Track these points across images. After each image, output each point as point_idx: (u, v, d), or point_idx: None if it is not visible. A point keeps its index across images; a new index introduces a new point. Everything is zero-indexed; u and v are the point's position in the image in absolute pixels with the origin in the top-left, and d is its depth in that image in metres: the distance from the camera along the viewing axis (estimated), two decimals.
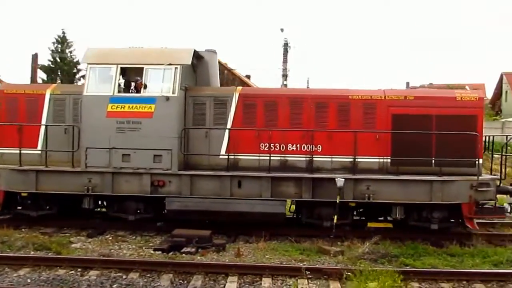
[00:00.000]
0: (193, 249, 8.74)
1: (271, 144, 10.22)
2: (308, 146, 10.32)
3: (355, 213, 10.72)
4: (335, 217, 9.18)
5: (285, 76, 31.11)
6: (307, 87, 35.42)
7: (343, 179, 9.18)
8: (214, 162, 10.42)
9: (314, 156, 10.29)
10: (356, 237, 9.74)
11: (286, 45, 31.28)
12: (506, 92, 41.85)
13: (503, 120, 30.78)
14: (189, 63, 10.39)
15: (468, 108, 10.38)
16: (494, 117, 35.49)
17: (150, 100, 10.05)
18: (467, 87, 35.53)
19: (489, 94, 47.33)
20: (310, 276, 7.33)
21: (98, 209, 11.35)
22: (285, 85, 30.26)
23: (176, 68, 10.08)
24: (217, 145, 10.44)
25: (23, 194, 10.29)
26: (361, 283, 6.53)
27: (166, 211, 10.37)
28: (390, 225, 10.69)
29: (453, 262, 8.58)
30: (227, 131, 10.37)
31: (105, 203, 10.87)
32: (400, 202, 9.87)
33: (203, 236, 9.11)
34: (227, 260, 8.27)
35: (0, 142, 10.62)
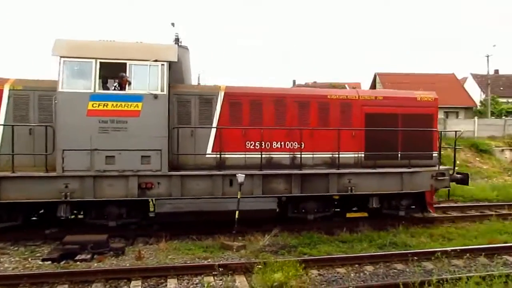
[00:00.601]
0: (88, 256, 8.11)
1: (257, 142, 10.32)
2: (292, 144, 10.63)
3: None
4: (237, 212, 9.30)
5: None
6: (198, 83, 35.21)
7: (244, 175, 9.27)
8: (200, 161, 10.20)
9: (297, 153, 10.60)
10: (257, 231, 9.99)
11: (177, 41, 30.60)
12: None
13: None
14: (176, 60, 9.87)
15: (426, 107, 11.62)
16: None
17: (137, 98, 9.45)
18: (346, 85, 38.60)
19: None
20: (215, 273, 7.32)
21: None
22: None
23: (162, 65, 9.61)
24: (203, 144, 10.25)
25: None
26: (267, 275, 6.69)
27: (155, 214, 9.95)
28: (366, 214, 11.70)
29: (345, 248, 9.31)
30: (213, 129, 10.25)
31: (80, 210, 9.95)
32: (376, 193, 10.75)
33: (99, 241, 8.51)
34: (128, 264, 7.88)
35: None
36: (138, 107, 9.44)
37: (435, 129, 11.58)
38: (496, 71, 49.72)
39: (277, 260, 7.44)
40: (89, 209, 9.82)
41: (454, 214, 12.99)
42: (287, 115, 10.71)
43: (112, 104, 9.33)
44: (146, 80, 9.57)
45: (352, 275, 7.59)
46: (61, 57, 9.23)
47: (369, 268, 8.02)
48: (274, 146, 10.57)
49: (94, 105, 9.26)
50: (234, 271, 7.51)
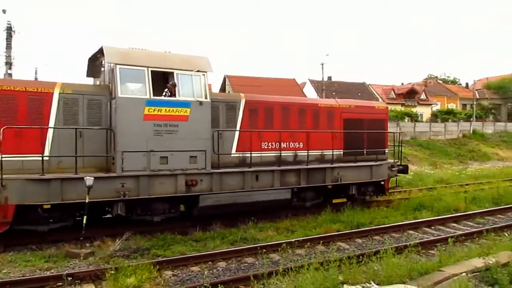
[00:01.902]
0: None
1: (270, 143, 12.05)
2: (294, 144, 12.52)
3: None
4: (85, 217, 8.69)
5: (9, 64, 26.83)
6: (35, 78, 31.79)
7: (92, 178, 8.75)
8: (227, 159, 11.35)
9: (298, 151, 12.51)
10: (106, 235, 9.50)
11: (9, 29, 27.01)
12: (229, 92, 48.24)
13: None
14: (212, 71, 10.83)
15: (381, 114, 14.78)
16: None
17: (185, 104, 10.25)
18: None
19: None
20: (60, 284, 6.75)
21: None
22: (10, 75, 26.13)
23: (203, 74, 10.59)
24: (229, 145, 11.48)
25: (45, 207, 8.99)
26: (119, 281, 6.43)
27: (200, 207, 10.68)
28: (344, 200, 13.80)
29: (198, 246, 9.48)
30: (237, 132, 11.58)
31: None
32: (355, 182, 13.29)
33: None
34: None
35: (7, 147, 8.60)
36: (186, 112, 10.28)
37: (388, 131, 15.12)
38: (330, 78, 56.07)
39: (129, 264, 7.19)
40: (135, 206, 10.10)
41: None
42: (291, 120, 12.57)
43: (166, 110, 10.06)
44: (191, 88, 10.44)
45: (206, 272, 7.74)
46: (116, 64, 9.61)
47: (222, 264, 8.30)
48: (282, 146, 12.23)
49: (150, 110, 9.84)
50: (82, 280, 7.01)
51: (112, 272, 6.86)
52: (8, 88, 9.17)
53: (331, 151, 13.01)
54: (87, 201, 8.74)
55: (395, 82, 64.33)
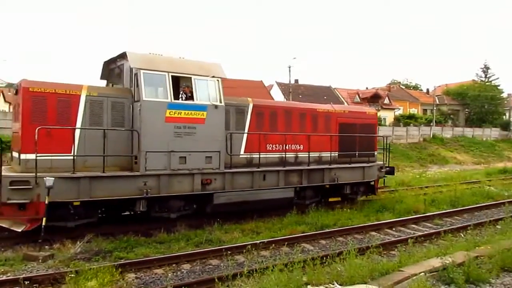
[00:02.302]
0: None
1: (274, 145, 12.78)
2: (296, 146, 13.30)
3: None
4: (44, 219, 8.41)
5: None
6: None
7: (53, 179, 8.68)
8: (236, 160, 11.91)
9: (299, 153, 13.35)
10: (66, 238, 9.24)
11: None
12: None
13: None
14: (226, 76, 11.64)
15: (371, 119, 15.96)
16: None
17: (202, 107, 10.91)
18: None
19: None
20: None
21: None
22: None
23: (218, 80, 11.31)
24: (237, 146, 12.12)
25: (75, 203, 9.46)
26: (79, 284, 6.27)
27: (213, 205, 11.29)
28: (339, 199, 14.78)
29: (163, 248, 9.39)
30: (245, 134, 12.30)
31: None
32: (349, 182, 14.27)
33: None
34: None
35: (28, 147, 9.04)
36: (203, 115, 10.96)
37: (382, 135, 16.96)
38: (296, 81, 56.64)
39: (91, 267, 7.01)
40: (154, 204, 10.56)
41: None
42: (293, 123, 13.39)
43: (185, 113, 10.69)
44: (207, 92, 11.14)
45: (170, 274, 7.66)
46: (140, 69, 10.17)
47: (187, 266, 8.23)
48: (285, 147, 12.98)
49: (171, 113, 10.45)
50: (40, 283, 6.78)
51: (72, 275, 6.67)
52: (39, 90, 9.49)
53: (328, 153, 14.07)
54: (46, 202, 8.48)
55: (360, 87, 65.73)
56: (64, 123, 9.66)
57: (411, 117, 53.22)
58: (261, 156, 12.29)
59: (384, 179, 16.35)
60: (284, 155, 12.91)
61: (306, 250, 9.53)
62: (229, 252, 8.47)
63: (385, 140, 16.49)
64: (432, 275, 7.18)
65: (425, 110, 62.47)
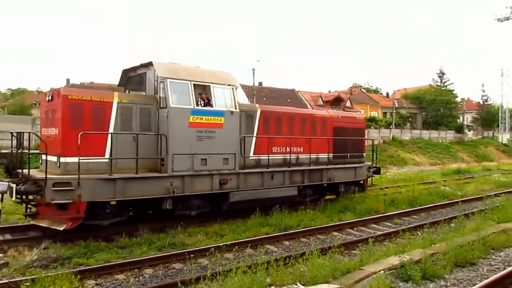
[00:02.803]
0: None
1: (279, 147, 13.78)
2: (297, 148, 14.32)
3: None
4: None
5: None
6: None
7: (6, 184, 9.17)
8: (247, 161, 12.85)
9: (300, 155, 14.40)
10: (22, 245, 8.90)
11: None
12: None
13: None
14: (237, 85, 12.68)
15: (361, 123, 17.55)
16: None
17: (220, 113, 11.80)
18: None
19: None
20: None
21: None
22: None
23: (233, 88, 12.25)
24: (248, 148, 12.99)
25: (112, 203, 10.09)
26: None
27: (229, 203, 12.15)
28: (334, 196, 15.88)
29: (124, 253, 9.20)
30: (254, 138, 13.20)
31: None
32: (343, 181, 15.63)
33: None
34: None
35: (67, 151, 9.72)
36: (221, 120, 11.85)
37: (371, 138, 19.39)
38: (260, 83, 56.95)
39: (48, 274, 6.78)
40: (177, 202, 11.33)
41: None
42: (295, 127, 14.44)
43: (205, 118, 11.54)
44: (224, 99, 12.01)
45: (131, 280, 7.53)
46: (166, 78, 10.98)
47: (149, 271, 8.10)
48: (287, 150, 13.99)
49: (194, 119, 11.29)
50: None
51: (28, 284, 6.42)
52: (77, 98, 10.08)
53: (325, 154, 15.35)
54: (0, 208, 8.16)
55: (323, 90, 66.98)
56: (99, 128, 10.27)
57: (372, 119, 54.66)
58: (265, 157, 13.32)
59: (372, 178, 17.63)
60: (289, 157, 14.01)
61: (270, 252, 9.59)
62: (192, 255, 8.38)
63: (373, 143, 18.55)
64: (391, 273, 7.42)
65: (385, 113, 64.32)
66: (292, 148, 14.13)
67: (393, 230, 11.64)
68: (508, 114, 61.44)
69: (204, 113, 11.58)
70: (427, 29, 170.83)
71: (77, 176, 9.42)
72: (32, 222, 10.38)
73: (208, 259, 8.62)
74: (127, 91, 12.81)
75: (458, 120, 66.50)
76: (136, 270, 8.06)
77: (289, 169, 13.76)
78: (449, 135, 53.95)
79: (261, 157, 13.32)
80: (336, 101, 56.15)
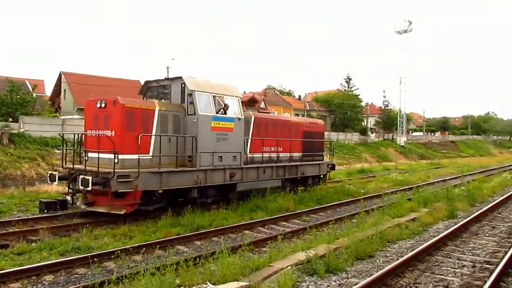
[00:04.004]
0: None
1: (267, 147, 16.70)
2: (278, 148, 17.39)
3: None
4: None
5: None
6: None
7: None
8: (245, 159, 15.33)
9: (280, 153, 17.44)
10: None
11: None
12: (65, 90, 44.27)
13: (62, 117, 32.26)
14: (241, 96, 15.75)
15: (321, 128, 21.63)
16: (54, 114, 36.66)
17: (232, 119, 14.57)
18: (26, 82, 34.97)
19: (49, 91, 48.45)
20: None
21: None
22: None
23: (239, 99, 15.05)
24: (246, 148, 15.60)
25: (159, 191, 12.34)
26: None
27: (237, 192, 15.03)
28: (303, 187, 18.97)
29: (22, 260, 8.56)
30: (249, 139, 15.89)
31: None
32: (310, 175, 19.30)
33: None
34: None
35: (124, 149, 11.70)
36: (232, 125, 14.54)
37: (330, 140, 25.39)
38: None
39: None
40: (199, 191, 13.66)
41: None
42: (277, 131, 17.56)
43: (222, 123, 14.13)
44: (233, 108, 14.70)
45: None
46: (194, 91, 13.37)
47: (49, 277, 7.57)
48: (272, 149, 17.07)
49: (214, 124, 13.82)
50: None
51: None
52: (131, 106, 12.19)
53: (299, 153, 18.72)
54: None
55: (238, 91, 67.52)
56: (145, 131, 12.37)
57: None
58: (260, 155, 16.39)
59: (329, 173, 21.33)
60: (274, 155, 17.19)
61: (180, 252, 9.46)
62: (96, 259, 8.00)
63: (330, 144, 23.46)
64: (298, 268, 7.73)
65: (297, 115, 66.52)
66: (277, 148, 17.30)
67: (301, 227, 12.13)
68: (405, 118, 67.08)
69: (221, 119, 14.24)
70: (336, 37, 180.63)
71: (135, 170, 11.59)
72: (88, 209, 12.22)
73: (115, 262, 8.27)
74: (145, 99, 15.01)
75: (363, 123, 71.15)
76: (34, 277, 7.48)
77: (275, 165, 16.96)
78: (355, 137, 57.53)
79: (255, 155, 16.20)
80: (251, 102, 56.75)
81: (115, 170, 11.20)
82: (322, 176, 20.50)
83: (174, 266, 7.17)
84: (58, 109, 43.35)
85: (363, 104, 72.36)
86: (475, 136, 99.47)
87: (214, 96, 14.07)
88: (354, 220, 12.55)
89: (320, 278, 7.38)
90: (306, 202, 16.22)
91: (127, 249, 8.71)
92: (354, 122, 66.90)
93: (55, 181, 12.71)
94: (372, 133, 66.43)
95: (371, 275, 7.36)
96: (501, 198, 17.54)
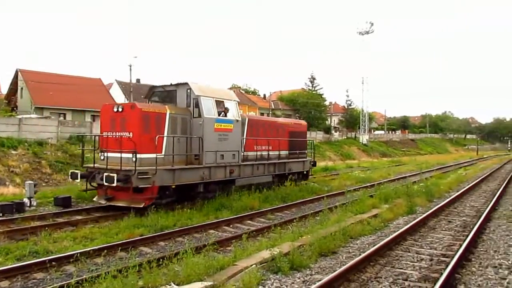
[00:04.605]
0: None
1: (258, 146, 18.21)
2: (268, 147, 18.81)
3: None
4: None
5: None
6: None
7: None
8: (241, 156, 16.77)
9: (270, 151, 18.88)
10: None
11: None
12: (22, 88, 42.61)
13: (19, 116, 31.07)
14: (238, 100, 17.26)
15: (304, 128, 23.56)
16: (10, 113, 35.28)
17: (231, 121, 16.08)
18: None
19: (5, 89, 46.53)
20: None
21: None
22: None
23: (236, 102, 16.72)
24: (242, 147, 17.02)
25: (172, 186, 13.65)
26: None
27: (235, 186, 16.26)
28: (293, 182, 19.25)
29: None
30: (244, 139, 17.30)
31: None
32: (296, 171, 20.74)
33: None
34: None
35: (141, 149, 13.00)
36: (231, 126, 16.03)
37: (311, 139, 27.59)
38: (138, 80, 54.96)
39: None
40: (204, 186, 15.05)
41: (98, 214, 13.44)
42: (267, 131, 19.15)
43: (223, 125, 15.63)
44: (232, 111, 16.17)
45: None
46: (200, 96, 14.91)
47: (5, 283, 7.24)
48: (263, 148, 18.58)
49: (217, 125, 15.32)
50: None
51: None
52: (147, 110, 13.64)
53: (285, 151, 20.36)
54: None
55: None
56: (159, 132, 13.63)
57: None
58: (253, 153, 17.97)
59: (311, 169, 22.83)
60: (265, 153, 18.66)
61: (144, 253, 9.30)
62: (55, 263, 7.74)
63: (312, 143, 25.26)
64: (263, 266, 7.76)
65: (262, 114, 67.02)
66: (267, 146, 18.81)
67: (266, 225, 12.18)
68: (368, 117, 68.71)
69: (222, 121, 15.59)
70: (301, 37, 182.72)
71: (153, 167, 12.82)
72: (108, 204, 13.42)
73: (75, 265, 8.03)
74: (150, 102, 16.11)
75: (327, 122, 72.38)
76: None
77: (267, 162, 18.49)
78: (319, 136, 58.35)
79: (249, 154, 17.66)
80: None
81: (136, 168, 12.48)
82: (305, 172, 21.96)
83: (137, 268, 7.03)
84: (15, 108, 41.69)
85: (327, 103, 73.62)
86: (433, 134, 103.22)
87: (216, 100, 15.52)
88: (318, 218, 12.73)
89: (284, 275, 7.45)
90: (271, 201, 16.29)
91: (87, 252, 8.47)
92: (318, 121, 67.94)
93: (77, 179, 13.77)
94: (335, 131, 67.69)
95: (334, 271, 7.49)
96: (456, 194, 18.29)
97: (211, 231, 11.66)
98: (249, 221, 13.13)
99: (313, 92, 72.13)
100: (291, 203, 16.23)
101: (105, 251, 8.73)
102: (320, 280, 6.85)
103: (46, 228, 10.57)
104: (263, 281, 7.10)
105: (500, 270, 8.02)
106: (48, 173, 21.49)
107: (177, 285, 6.85)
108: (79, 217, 12.66)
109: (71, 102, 40.70)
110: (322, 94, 72.85)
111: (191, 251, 7.93)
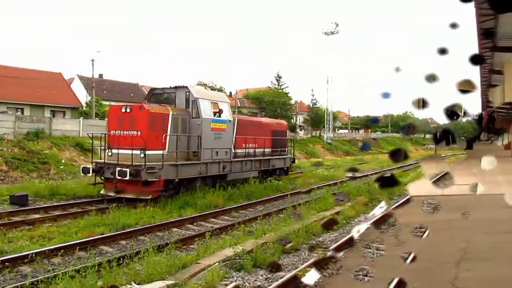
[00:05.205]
0: None
1: (246, 143, 19.74)
2: (254, 144, 20.37)
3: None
4: None
5: None
6: None
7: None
8: (232, 153, 18.51)
9: (256, 149, 20.64)
10: None
11: None
12: None
13: None
14: (229, 102, 19.95)
15: (284, 127, 25.67)
16: None
17: (224, 121, 17.81)
18: None
19: None
20: None
21: None
22: None
23: (228, 104, 18.80)
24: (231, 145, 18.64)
25: (176, 180, 15.14)
26: None
27: (226, 180, 17.99)
28: (280, 178, 22.21)
29: None
30: (234, 137, 18.89)
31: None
32: (278, 167, 22.88)
33: None
34: None
35: (149, 146, 14.16)
36: (225, 126, 17.85)
37: (291, 138, 29.59)
38: (101, 75, 53.56)
39: None
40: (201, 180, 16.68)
41: (56, 213, 13.00)
42: (254, 130, 20.62)
43: (218, 124, 17.43)
44: (225, 112, 17.95)
45: None
46: (198, 98, 16.61)
47: None
48: (251, 145, 20.02)
49: (213, 125, 17.14)
50: None
51: None
52: (153, 111, 15.05)
53: (269, 149, 21.90)
54: None
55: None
56: (163, 131, 15.00)
57: None
58: (242, 151, 19.45)
59: (291, 166, 24.87)
60: (252, 150, 20.19)
61: (104, 253, 9.07)
62: (9, 263, 7.43)
63: (293, 141, 28.24)
64: (226, 264, 7.75)
65: None
66: (254, 144, 20.25)
67: (230, 223, 12.16)
68: (332, 116, 69.84)
69: (217, 121, 17.21)
70: (267, 36, 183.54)
71: (159, 162, 14.15)
72: (117, 196, 14.21)
73: (31, 266, 7.74)
74: (149, 103, 16.66)
75: (292, 120, 72.97)
76: None
77: (254, 159, 20.19)
78: None
79: (238, 151, 19.12)
80: None
81: (146, 163, 13.74)
82: (285, 168, 23.90)
83: (96, 268, 6.87)
84: None
85: (292, 102, 74.20)
86: (395, 133, 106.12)
87: (212, 102, 17.23)
88: (281, 215, 12.84)
89: (247, 273, 7.46)
90: (236, 198, 16.27)
91: (44, 252, 8.19)
92: (283, 119, 68.37)
93: (88, 173, 14.85)
94: (301, 130, 68.38)
95: (297, 267, 7.57)
96: None
97: (174, 229, 11.52)
98: (213, 219, 13.06)
99: (279, 90, 72.52)
100: (256, 200, 16.27)
101: (63, 250, 8.46)
102: (282, 277, 6.90)
103: (1, 227, 10.14)
104: (226, 279, 7.09)
105: None
106: (4, 170, 20.59)
107: (138, 284, 6.73)
108: (36, 216, 12.20)
109: (30, 96, 39.18)
110: (288, 93, 73.40)
111: (153, 250, 7.83)
